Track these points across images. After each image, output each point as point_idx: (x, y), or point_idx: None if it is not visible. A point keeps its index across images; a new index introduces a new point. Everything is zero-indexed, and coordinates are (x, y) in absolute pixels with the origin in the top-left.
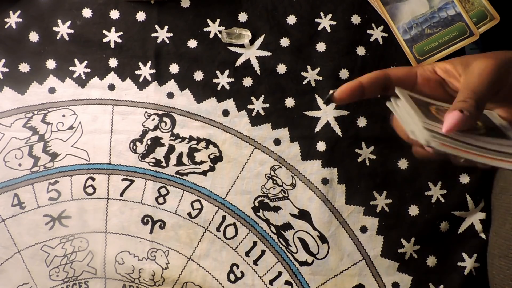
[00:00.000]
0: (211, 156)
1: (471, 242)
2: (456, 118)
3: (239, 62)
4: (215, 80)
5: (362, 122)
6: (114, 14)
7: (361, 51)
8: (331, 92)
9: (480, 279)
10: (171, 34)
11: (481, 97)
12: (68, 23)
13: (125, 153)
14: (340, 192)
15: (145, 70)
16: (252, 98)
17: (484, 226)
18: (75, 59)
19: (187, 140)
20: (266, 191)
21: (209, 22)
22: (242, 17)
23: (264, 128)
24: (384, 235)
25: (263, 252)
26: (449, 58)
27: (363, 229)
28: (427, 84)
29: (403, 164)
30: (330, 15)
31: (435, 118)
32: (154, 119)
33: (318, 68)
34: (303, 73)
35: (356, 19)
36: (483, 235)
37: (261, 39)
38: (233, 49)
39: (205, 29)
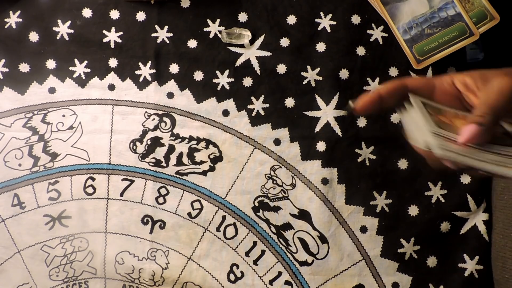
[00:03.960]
0: (211, 156)
1: (473, 243)
2: (473, 131)
3: (239, 62)
4: (215, 80)
5: (362, 122)
6: (114, 14)
7: (361, 51)
8: (351, 105)
9: (483, 282)
10: (171, 34)
11: (498, 114)
12: (68, 23)
13: (125, 153)
14: (340, 192)
15: (145, 70)
16: (252, 98)
17: (487, 227)
18: (75, 59)
19: (187, 140)
20: (266, 191)
21: (209, 22)
22: (242, 17)
23: (264, 128)
24: (384, 235)
25: (263, 252)
26: (449, 58)
27: (363, 229)
28: (444, 96)
29: (403, 164)
30: (330, 15)
31: (448, 126)
32: (154, 119)
33: (318, 68)
34: (303, 73)
35: (356, 19)
36: (486, 237)
37: (261, 39)
38: (233, 49)
39: (205, 29)
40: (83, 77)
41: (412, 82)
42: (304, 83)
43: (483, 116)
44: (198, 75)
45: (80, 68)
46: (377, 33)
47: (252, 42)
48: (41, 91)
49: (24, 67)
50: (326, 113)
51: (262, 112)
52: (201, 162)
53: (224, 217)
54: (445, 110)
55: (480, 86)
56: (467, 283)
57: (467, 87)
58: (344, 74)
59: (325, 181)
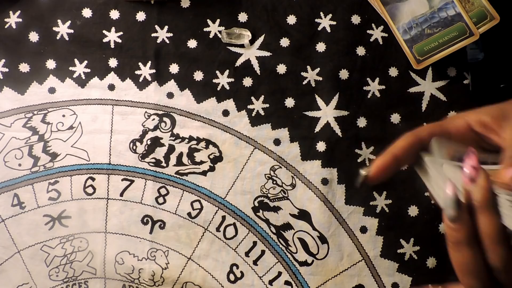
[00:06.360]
0: (211, 156)
1: None
2: (508, 175)
3: (239, 62)
4: (215, 80)
5: (362, 122)
6: (114, 14)
7: (361, 51)
8: (363, 173)
9: None
10: (171, 34)
11: None
12: (68, 23)
13: (125, 153)
14: (340, 192)
15: (145, 70)
16: (252, 98)
17: None
18: (75, 59)
19: (187, 140)
20: (266, 191)
21: (209, 22)
22: (242, 17)
23: (264, 128)
24: (383, 235)
25: (263, 252)
26: (449, 58)
27: (363, 230)
28: (461, 142)
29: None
30: (330, 15)
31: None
32: (154, 119)
33: (318, 68)
34: (303, 73)
35: (356, 19)
36: None
37: (261, 39)
38: (233, 49)
39: (205, 29)
40: (83, 77)
41: (425, 134)
42: (304, 83)
43: None
44: (198, 75)
45: (80, 68)
46: (377, 33)
47: (252, 42)
48: (41, 91)
49: (24, 67)
50: (326, 113)
51: (262, 112)
52: (201, 162)
53: (224, 217)
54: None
55: (502, 124)
56: None
57: (487, 127)
58: (344, 74)
59: (325, 181)
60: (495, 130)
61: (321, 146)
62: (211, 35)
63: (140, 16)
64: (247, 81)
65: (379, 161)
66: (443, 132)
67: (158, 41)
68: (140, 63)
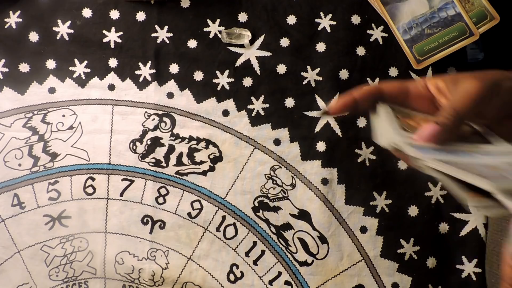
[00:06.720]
0: (211, 156)
1: (472, 246)
2: (431, 130)
3: (239, 62)
4: (215, 80)
5: (362, 122)
6: (114, 14)
7: (361, 51)
8: (325, 109)
9: (480, 284)
10: (171, 34)
11: (461, 116)
12: (68, 23)
13: (125, 153)
14: (340, 192)
15: (145, 70)
16: (252, 98)
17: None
18: (75, 59)
19: (187, 140)
20: (266, 191)
21: (209, 22)
22: (242, 17)
23: (264, 128)
24: (383, 235)
25: (263, 252)
26: (449, 58)
27: (363, 229)
28: (418, 100)
29: (403, 164)
30: (330, 15)
31: (414, 129)
32: (154, 119)
33: (318, 68)
34: (303, 73)
35: (356, 19)
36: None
37: (261, 39)
38: (233, 49)
39: (205, 29)
40: (83, 77)
41: (387, 87)
42: (304, 83)
43: (447, 117)
44: (198, 75)
45: (80, 68)
46: (377, 33)
47: (252, 42)
48: (41, 91)
49: (24, 67)
50: None
51: (262, 112)
52: (201, 162)
53: (224, 217)
54: (414, 115)
55: (450, 89)
56: (464, 285)
57: (440, 90)
58: (344, 74)
59: (325, 181)
60: (445, 93)
61: (321, 146)
62: (211, 35)
63: (140, 16)
64: (247, 81)
65: (341, 99)
66: (403, 88)
67: (158, 41)
68: (140, 63)
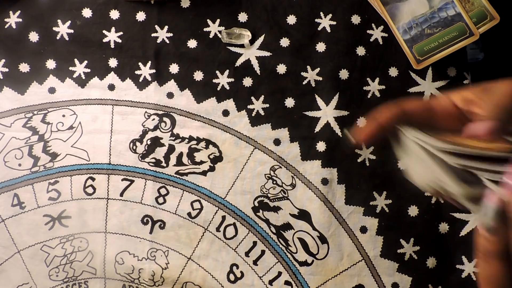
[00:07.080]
0: (211, 156)
1: (472, 246)
2: (489, 125)
3: (239, 62)
4: (215, 80)
5: (362, 122)
6: (114, 14)
7: (361, 51)
8: (347, 133)
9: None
10: (171, 34)
11: (504, 114)
12: (68, 23)
13: (125, 153)
14: (340, 192)
15: (145, 70)
16: (252, 98)
17: None
18: (75, 59)
19: (187, 140)
20: (266, 191)
21: (209, 22)
22: (242, 17)
23: (264, 128)
24: (383, 235)
25: (263, 252)
26: (449, 58)
27: (363, 229)
28: (444, 117)
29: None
30: (330, 15)
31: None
32: (154, 119)
33: (318, 68)
34: (303, 73)
35: (356, 19)
36: None
37: (261, 39)
38: (233, 49)
39: (205, 29)
40: (83, 77)
41: (410, 107)
42: (304, 83)
43: (493, 113)
44: (198, 75)
45: (80, 68)
46: (377, 33)
47: (252, 42)
48: (41, 91)
49: (24, 67)
50: (326, 113)
51: (262, 112)
52: (201, 162)
53: (224, 217)
54: (443, 134)
55: (482, 96)
56: (464, 285)
57: (468, 101)
58: (344, 74)
59: (325, 181)
60: (476, 102)
61: (321, 146)
62: (211, 35)
63: (140, 16)
64: (247, 81)
65: (366, 129)
66: (427, 107)
67: (158, 41)
68: (140, 63)
